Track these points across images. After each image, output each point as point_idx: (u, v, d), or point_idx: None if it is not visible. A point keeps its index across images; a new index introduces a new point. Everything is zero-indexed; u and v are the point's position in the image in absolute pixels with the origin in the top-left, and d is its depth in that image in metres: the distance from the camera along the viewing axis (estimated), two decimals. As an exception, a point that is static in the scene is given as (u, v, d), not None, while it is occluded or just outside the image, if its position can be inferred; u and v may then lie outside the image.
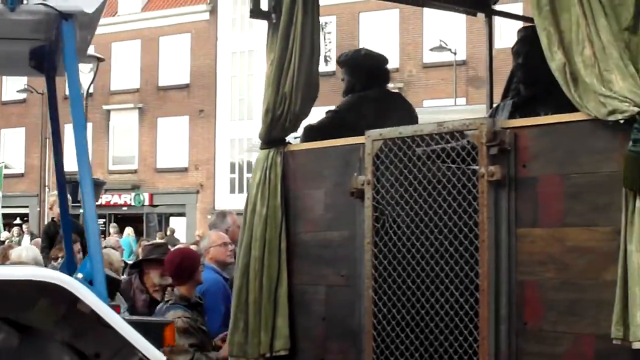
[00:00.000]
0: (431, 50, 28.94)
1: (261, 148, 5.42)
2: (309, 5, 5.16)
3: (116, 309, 4.40)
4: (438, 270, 4.50)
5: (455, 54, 28.69)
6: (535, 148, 4.22)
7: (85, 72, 18.39)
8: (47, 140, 37.84)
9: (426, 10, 22.64)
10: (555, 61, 4.04)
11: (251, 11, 5.48)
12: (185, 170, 36.09)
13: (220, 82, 35.85)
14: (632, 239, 3.78)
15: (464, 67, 31.09)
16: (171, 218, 35.85)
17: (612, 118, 3.86)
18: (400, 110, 5.57)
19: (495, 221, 4.29)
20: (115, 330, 3.63)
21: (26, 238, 21.13)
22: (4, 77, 38.52)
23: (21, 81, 36.81)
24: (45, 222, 35.05)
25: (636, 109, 3.79)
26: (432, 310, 4.51)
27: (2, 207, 33.38)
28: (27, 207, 37.33)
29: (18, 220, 26.56)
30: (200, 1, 35.34)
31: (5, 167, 38.16)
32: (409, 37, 32.74)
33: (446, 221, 4.47)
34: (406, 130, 4.67)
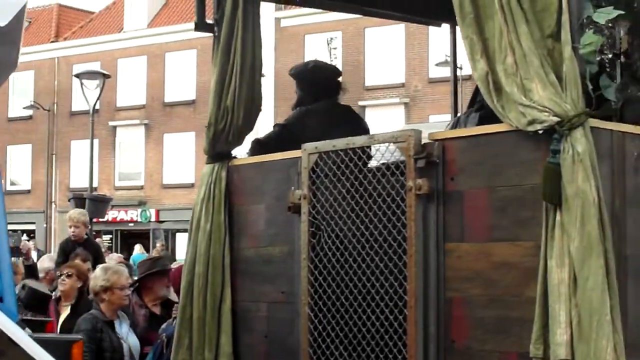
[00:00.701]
0: (437, 65, 28.84)
1: (207, 163, 5.36)
2: (249, 18, 5.10)
3: (48, 325, 4.33)
4: (370, 287, 4.40)
5: (461, 69, 28.54)
6: (462, 160, 4.13)
7: (91, 88, 18.46)
8: (54, 156, 38.01)
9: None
10: (477, 70, 3.95)
11: (195, 24, 5.43)
12: (191, 186, 36.06)
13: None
14: (552, 254, 3.68)
15: (470, 82, 30.89)
16: (177, 234, 35.79)
17: (531, 128, 3.77)
18: (349, 122, 5.49)
19: (423, 236, 4.19)
20: (22, 348, 3.55)
21: (33, 254, 21.08)
22: (10, 93, 38.72)
23: (27, 98, 37.02)
24: (52, 239, 35.14)
25: (555, 119, 3.69)
26: (364, 327, 4.41)
27: (8, 223, 33.38)
28: (33, 223, 37.39)
29: (25, 237, 26.56)
30: (207, 17, 35.41)
31: (12, 183, 38.31)
32: (414, 52, 32.65)
33: (377, 236, 4.38)
34: (340, 143, 4.59)
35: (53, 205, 37.28)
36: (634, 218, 3.91)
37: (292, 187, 4.78)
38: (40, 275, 12.24)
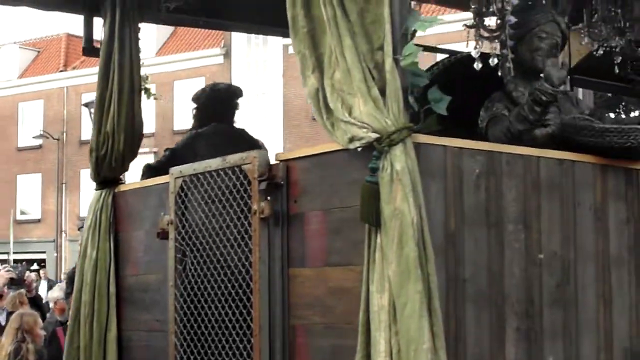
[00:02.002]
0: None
1: (95, 189, 5.25)
2: (126, 41, 4.99)
3: None
4: (224, 315, 4.22)
5: None
6: (304, 181, 3.93)
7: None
8: (64, 185, 38.08)
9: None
10: (308, 86, 3.77)
11: (83, 49, 5.34)
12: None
13: (235, 125, 35.72)
14: (374, 279, 3.47)
15: None
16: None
17: (352, 146, 3.56)
18: (241, 145, 5.33)
19: (268, 261, 4.01)
20: None
21: (43, 284, 21.15)
22: (19, 123, 38.85)
23: (37, 127, 37.19)
24: (63, 268, 35.16)
25: (374, 135, 3.49)
26: (221, 357, 4.24)
27: (19, 252, 33.52)
28: (44, 252, 37.39)
29: (35, 266, 26.71)
30: (214, 45, 35.44)
31: (22, 212, 38.43)
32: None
33: (230, 262, 4.21)
34: (199, 166, 4.43)
35: (63, 234, 37.29)
36: (475, 239, 3.68)
37: (162, 213, 4.64)
38: (51, 305, 12.24)
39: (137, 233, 4.99)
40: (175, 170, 4.57)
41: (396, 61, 3.52)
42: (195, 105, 5.62)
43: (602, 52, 6.01)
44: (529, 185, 3.86)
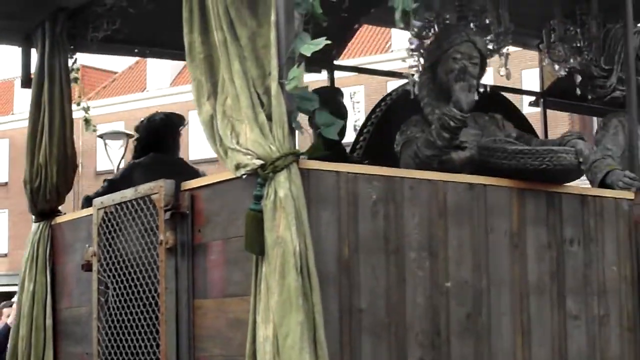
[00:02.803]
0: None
1: (33, 222, 5.21)
2: (56, 72, 4.95)
3: None
4: (141, 347, 4.13)
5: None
6: (207, 211, 3.84)
7: (115, 148, 18.58)
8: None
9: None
10: (202, 114, 3.69)
11: (21, 81, 5.32)
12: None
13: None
14: (259, 309, 3.36)
15: None
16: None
17: (238, 173, 3.47)
18: (178, 175, 5.26)
19: (175, 292, 3.92)
20: None
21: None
22: None
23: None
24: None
25: (258, 162, 3.39)
26: (135, 391, 4.15)
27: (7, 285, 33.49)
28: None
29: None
30: None
31: None
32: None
33: (142, 294, 4.12)
34: (117, 197, 4.36)
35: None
36: (372, 267, 3.56)
37: (87, 245, 4.58)
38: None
39: (70, 265, 4.93)
40: (97, 201, 4.51)
41: (282, 85, 3.43)
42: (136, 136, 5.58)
43: (564, 72, 5.90)
44: (435, 211, 3.73)
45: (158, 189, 4.00)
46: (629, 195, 4.32)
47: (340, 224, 3.52)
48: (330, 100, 5.77)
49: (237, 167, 3.46)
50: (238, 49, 3.56)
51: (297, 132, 3.50)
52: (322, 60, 6.32)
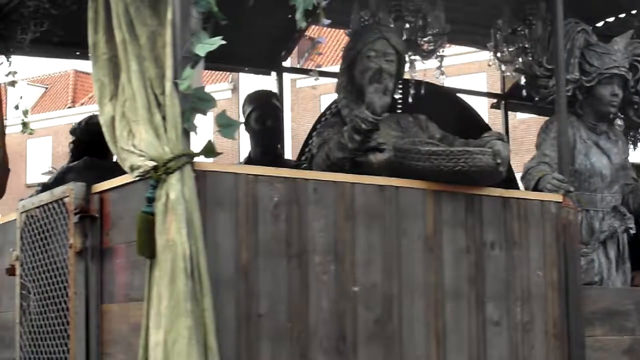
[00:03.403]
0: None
1: (-29, 228, 5.17)
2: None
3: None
4: (52, 353, 4.07)
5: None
6: (113, 214, 3.77)
7: (110, 153, 18.54)
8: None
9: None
10: (104, 115, 3.62)
11: (-41, 85, 5.28)
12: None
13: (244, 158, 35.46)
14: (151, 314, 3.29)
15: None
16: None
17: (132, 175, 3.41)
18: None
19: (85, 296, 3.85)
20: None
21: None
22: (27, 160, 38.19)
23: (45, 164, 36.94)
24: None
25: (151, 164, 3.32)
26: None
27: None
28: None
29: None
30: (222, 80, 35.38)
31: None
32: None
33: (57, 297, 4.06)
34: (36, 200, 4.28)
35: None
36: (272, 271, 3.47)
37: (11, 249, 4.52)
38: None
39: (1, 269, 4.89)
40: (20, 204, 4.45)
41: (176, 85, 3.36)
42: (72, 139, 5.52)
43: (510, 74, 5.81)
44: (342, 214, 3.64)
45: (69, 192, 3.94)
46: (557, 197, 4.22)
47: (239, 226, 3.44)
48: (265, 104, 5.73)
49: (132, 168, 3.39)
50: (136, 49, 3.49)
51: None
52: (270, 63, 6.27)
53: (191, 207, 3.28)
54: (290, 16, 5.22)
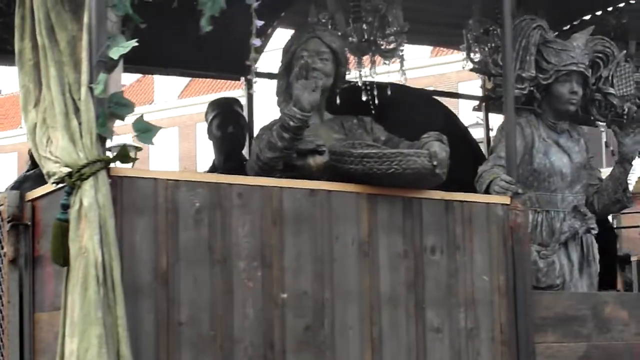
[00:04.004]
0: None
1: None
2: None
3: None
4: (-7, 363, 4.05)
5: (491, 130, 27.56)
6: (43, 221, 3.73)
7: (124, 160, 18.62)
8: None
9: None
10: (28, 121, 3.58)
11: None
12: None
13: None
14: (67, 323, 3.24)
15: None
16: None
17: (50, 182, 3.37)
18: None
19: (19, 305, 3.81)
20: None
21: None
22: None
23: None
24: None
25: (65, 170, 3.27)
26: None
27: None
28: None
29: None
30: (236, 87, 35.39)
31: None
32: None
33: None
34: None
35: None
36: (193, 278, 3.41)
37: (-37, 257, 4.51)
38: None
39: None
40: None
41: (91, 90, 3.31)
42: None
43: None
44: (269, 219, 3.57)
45: (3, 200, 3.91)
46: (504, 199, 4.11)
47: (158, 232, 3.38)
48: (226, 110, 5.68)
49: (49, 175, 3.36)
50: (56, 54, 3.45)
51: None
52: (239, 67, 6.22)
53: (105, 213, 3.23)
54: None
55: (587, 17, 6.27)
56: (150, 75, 38.54)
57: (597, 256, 4.85)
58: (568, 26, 6.37)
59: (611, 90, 4.90)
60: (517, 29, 4.74)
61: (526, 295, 4.07)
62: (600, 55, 4.92)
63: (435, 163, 3.76)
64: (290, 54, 4.23)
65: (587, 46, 4.85)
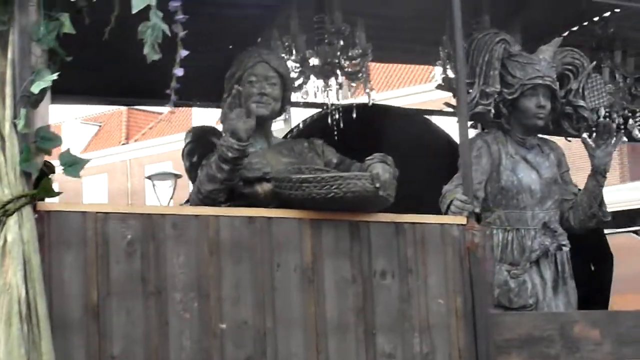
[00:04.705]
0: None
1: None
2: None
3: None
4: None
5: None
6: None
7: (163, 188, 18.75)
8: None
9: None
10: None
11: None
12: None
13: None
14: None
15: None
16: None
17: (-25, 219, 3.36)
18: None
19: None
20: None
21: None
22: (84, 197, 37.96)
23: (102, 201, 37.06)
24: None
25: None
26: None
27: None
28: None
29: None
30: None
31: None
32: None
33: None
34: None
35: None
36: (126, 311, 3.36)
37: None
38: None
39: None
40: None
41: (15, 126, 3.30)
42: None
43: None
44: (205, 249, 3.51)
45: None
46: (460, 220, 4.01)
47: (88, 266, 3.34)
48: (197, 139, 5.61)
49: None
50: None
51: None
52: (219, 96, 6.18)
53: (29, 249, 3.20)
54: (230, 47, 5.20)
55: (575, 29, 6.16)
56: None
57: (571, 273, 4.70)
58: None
59: (582, 103, 4.77)
60: (480, 43, 4.65)
61: (486, 317, 3.96)
62: (569, 67, 4.79)
63: (377, 185, 3.68)
64: (235, 79, 4.15)
65: (555, 58, 4.72)
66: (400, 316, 3.82)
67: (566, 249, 4.58)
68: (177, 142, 38.31)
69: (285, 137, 6.03)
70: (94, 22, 3.45)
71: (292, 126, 6.06)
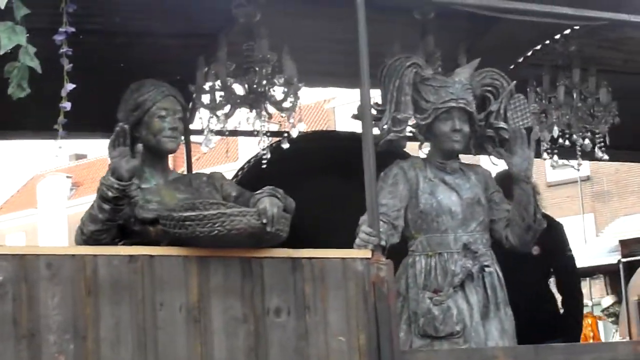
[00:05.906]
0: (553, 168, 27.24)
1: None
2: None
3: None
4: None
5: (578, 170, 26.79)
6: None
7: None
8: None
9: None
10: None
11: None
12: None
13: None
14: None
15: (589, 183, 30.02)
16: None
17: None
18: None
19: None
20: None
21: None
22: None
23: None
24: None
25: None
26: None
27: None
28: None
29: None
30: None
31: None
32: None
33: None
34: None
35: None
36: (-4, 355, 3.30)
37: None
38: None
39: None
40: None
41: None
42: None
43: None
44: (82, 289, 3.44)
45: None
46: (365, 253, 3.87)
47: (-26, 307, 3.30)
48: None
49: None
50: None
51: None
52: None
53: None
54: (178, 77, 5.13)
55: (538, 47, 6.00)
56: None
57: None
58: (521, 59, 6.10)
59: (502, 125, 4.56)
60: (390, 69, 4.45)
61: (393, 355, 3.81)
62: (489, 88, 4.59)
63: (264, 221, 3.56)
64: (142, 111, 4.01)
65: (474, 80, 4.54)
66: (297, 355, 3.69)
67: (489, 269, 4.39)
68: (223, 172, 38.58)
69: (235, 175, 6.01)
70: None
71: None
